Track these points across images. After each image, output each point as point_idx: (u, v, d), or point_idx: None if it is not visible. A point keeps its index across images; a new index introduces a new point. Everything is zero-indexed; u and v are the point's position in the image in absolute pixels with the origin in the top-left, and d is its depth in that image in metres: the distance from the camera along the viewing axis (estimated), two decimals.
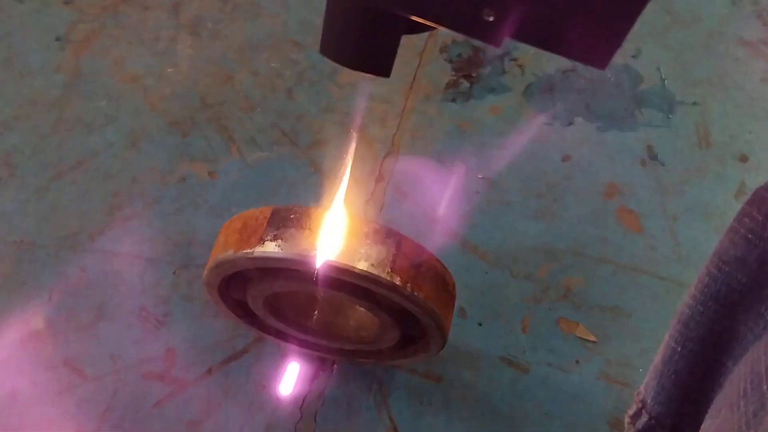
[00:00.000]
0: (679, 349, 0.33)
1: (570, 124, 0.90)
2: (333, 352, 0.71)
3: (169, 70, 0.94)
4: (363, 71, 0.34)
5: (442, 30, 0.30)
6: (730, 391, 0.28)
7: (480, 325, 0.76)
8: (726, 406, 0.28)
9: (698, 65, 0.96)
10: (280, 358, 0.73)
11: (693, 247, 0.81)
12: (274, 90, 0.92)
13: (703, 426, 0.30)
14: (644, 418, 0.35)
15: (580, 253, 0.80)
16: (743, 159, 0.87)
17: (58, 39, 0.96)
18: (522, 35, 0.30)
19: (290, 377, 0.72)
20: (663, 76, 0.95)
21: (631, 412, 0.36)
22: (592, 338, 0.75)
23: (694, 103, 0.92)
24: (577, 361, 0.74)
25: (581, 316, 0.76)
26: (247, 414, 0.70)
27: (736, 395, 0.27)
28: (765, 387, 0.25)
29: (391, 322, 0.59)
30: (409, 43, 0.98)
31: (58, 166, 0.85)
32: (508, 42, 0.29)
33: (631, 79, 0.94)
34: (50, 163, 0.85)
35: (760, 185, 0.31)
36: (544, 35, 0.30)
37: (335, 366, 0.73)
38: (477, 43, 0.32)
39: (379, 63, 0.34)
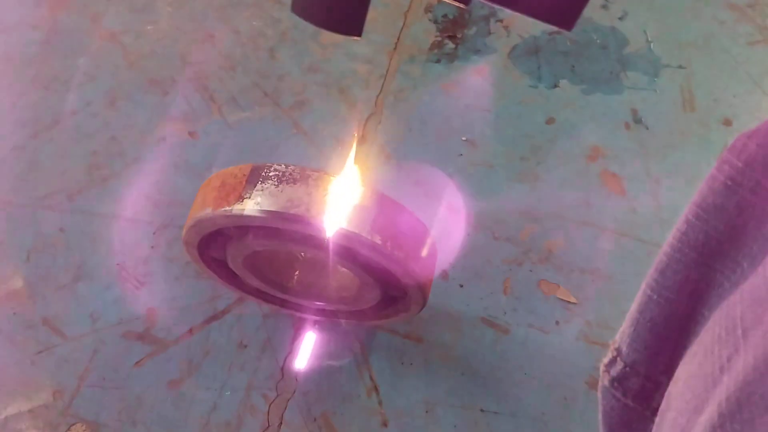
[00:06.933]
0: (655, 297, 0.33)
1: (555, 86, 0.89)
2: (314, 312, 0.71)
3: (149, 27, 0.92)
4: (333, 30, 0.33)
5: None
6: (705, 337, 0.28)
7: (461, 286, 0.76)
8: (700, 352, 0.28)
9: (685, 28, 0.95)
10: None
11: (675, 211, 0.81)
12: (255, 49, 0.91)
13: (677, 372, 0.30)
14: (619, 366, 0.35)
15: (563, 215, 0.80)
16: (727, 123, 0.87)
17: None
18: None
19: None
20: (649, 39, 0.94)
21: (606, 360, 0.36)
22: (572, 300, 0.75)
23: (680, 67, 0.91)
24: (557, 323, 0.74)
25: (562, 278, 0.76)
26: (227, 374, 0.70)
27: (710, 341, 0.27)
28: (739, 332, 0.25)
29: (371, 282, 0.59)
30: (393, 3, 0.96)
31: (35, 125, 0.83)
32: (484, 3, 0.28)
33: (617, 42, 0.93)
34: (27, 121, 0.83)
35: (742, 132, 0.30)
36: None
37: (316, 326, 0.73)
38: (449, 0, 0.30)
39: (349, 22, 0.33)
